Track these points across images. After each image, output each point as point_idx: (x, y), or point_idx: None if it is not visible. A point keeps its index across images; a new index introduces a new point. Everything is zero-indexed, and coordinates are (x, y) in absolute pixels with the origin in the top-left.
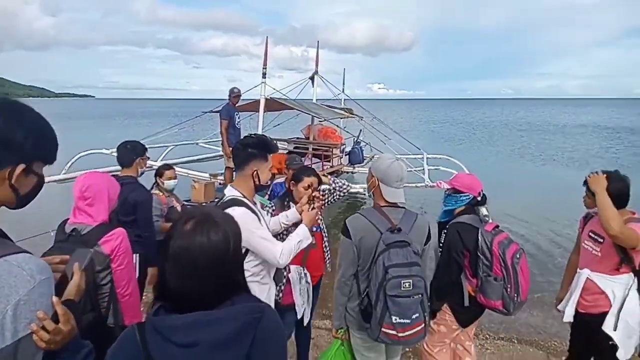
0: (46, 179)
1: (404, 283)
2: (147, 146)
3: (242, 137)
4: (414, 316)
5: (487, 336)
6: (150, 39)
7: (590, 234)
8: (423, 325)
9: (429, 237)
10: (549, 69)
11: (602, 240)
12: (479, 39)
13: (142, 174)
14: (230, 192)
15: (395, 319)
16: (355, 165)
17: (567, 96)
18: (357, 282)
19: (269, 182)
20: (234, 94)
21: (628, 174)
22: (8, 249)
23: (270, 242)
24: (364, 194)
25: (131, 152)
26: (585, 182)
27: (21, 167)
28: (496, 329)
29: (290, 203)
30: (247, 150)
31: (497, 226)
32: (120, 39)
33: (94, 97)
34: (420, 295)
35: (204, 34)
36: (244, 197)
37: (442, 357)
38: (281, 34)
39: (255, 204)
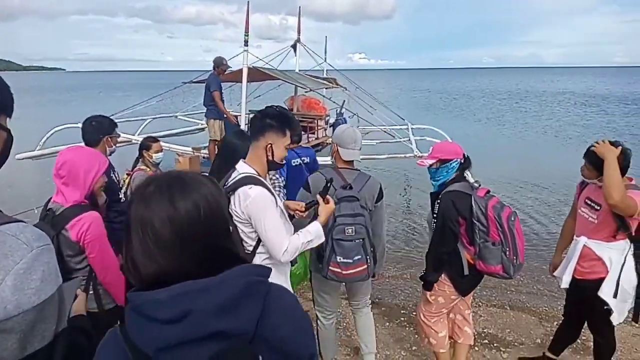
0: (21, 155)
1: (347, 229)
2: (124, 119)
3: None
4: (355, 257)
5: (480, 304)
6: (121, 8)
7: (586, 200)
8: (366, 266)
9: (380, 196)
10: (531, 37)
11: (599, 208)
12: (461, 6)
13: (111, 153)
14: (242, 168)
15: (340, 259)
16: None
17: (548, 65)
18: None
19: (283, 162)
20: (223, 65)
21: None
22: (1, 219)
23: (279, 233)
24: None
25: (97, 130)
26: (586, 154)
27: None
28: (489, 296)
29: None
30: (265, 121)
31: (489, 191)
32: (89, 7)
33: (64, 69)
34: (361, 240)
35: (177, 1)
36: (258, 174)
37: (439, 327)
38: (258, 1)
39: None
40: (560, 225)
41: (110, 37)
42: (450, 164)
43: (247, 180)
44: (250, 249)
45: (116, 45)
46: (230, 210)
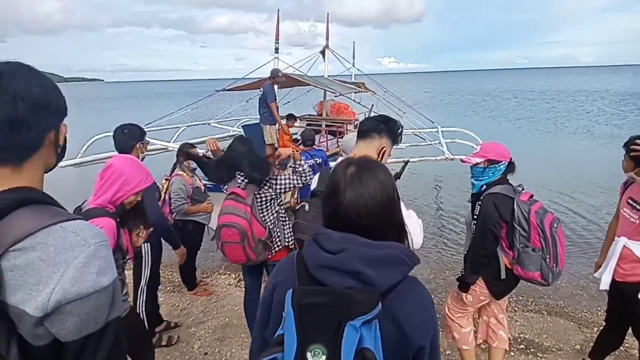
0: (63, 163)
1: None
2: (160, 128)
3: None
4: None
5: (516, 308)
6: (155, 19)
7: (628, 200)
8: None
9: None
10: (564, 36)
11: None
12: (492, 6)
13: (142, 159)
14: None
15: None
16: None
17: (583, 64)
18: None
19: None
20: (279, 77)
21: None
22: (63, 216)
23: (413, 220)
24: None
25: (130, 137)
26: (626, 145)
27: (65, 126)
28: (525, 301)
29: None
30: (383, 125)
31: (532, 196)
32: (125, 20)
33: (103, 80)
34: None
35: (209, 11)
36: None
37: (464, 323)
38: (287, 9)
39: None
40: (600, 228)
41: (145, 47)
42: (499, 166)
43: None
44: None
45: (152, 56)
46: None
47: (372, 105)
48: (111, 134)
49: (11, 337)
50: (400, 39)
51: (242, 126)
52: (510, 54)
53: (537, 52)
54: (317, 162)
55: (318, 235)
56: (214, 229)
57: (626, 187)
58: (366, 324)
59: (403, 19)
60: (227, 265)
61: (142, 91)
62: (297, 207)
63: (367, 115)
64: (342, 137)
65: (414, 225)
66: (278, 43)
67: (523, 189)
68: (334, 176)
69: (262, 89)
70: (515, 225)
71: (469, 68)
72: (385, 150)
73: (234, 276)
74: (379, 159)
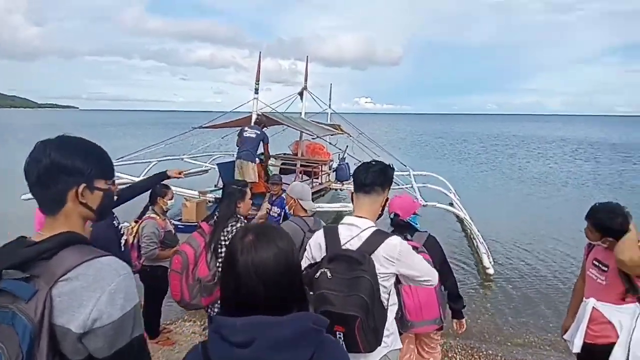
0: (26, 196)
1: None
2: (131, 162)
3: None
4: None
5: None
6: (137, 50)
7: (594, 262)
8: None
9: None
10: (533, 84)
11: (606, 269)
12: (466, 54)
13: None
14: (363, 223)
15: None
16: (343, 182)
17: (551, 112)
18: None
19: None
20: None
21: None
22: (98, 253)
23: (425, 263)
24: (348, 211)
25: None
26: (588, 215)
27: (82, 185)
28: (494, 355)
29: None
30: (383, 177)
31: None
32: (106, 49)
33: (77, 108)
34: None
35: (191, 45)
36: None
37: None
38: (269, 47)
39: None
40: (563, 282)
41: (124, 77)
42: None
43: (384, 234)
44: (386, 302)
45: (130, 86)
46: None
47: (347, 146)
48: None
49: (55, 353)
50: (377, 81)
51: (217, 164)
52: (482, 100)
53: (507, 98)
54: (277, 212)
55: (220, 327)
56: None
57: (590, 249)
58: None
59: (381, 62)
60: (193, 312)
61: (119, 120)
62: (315, 276)
63: (340, 157)
64: (317, 178)
65: (426, 266)
66: (258, 84)
67: (407, 239)
68: (232, 245)
69: (259, 132)
70: None
71: (442, 112)
72: (387, 200)
73: (199, 324)
74: (382, 211)
